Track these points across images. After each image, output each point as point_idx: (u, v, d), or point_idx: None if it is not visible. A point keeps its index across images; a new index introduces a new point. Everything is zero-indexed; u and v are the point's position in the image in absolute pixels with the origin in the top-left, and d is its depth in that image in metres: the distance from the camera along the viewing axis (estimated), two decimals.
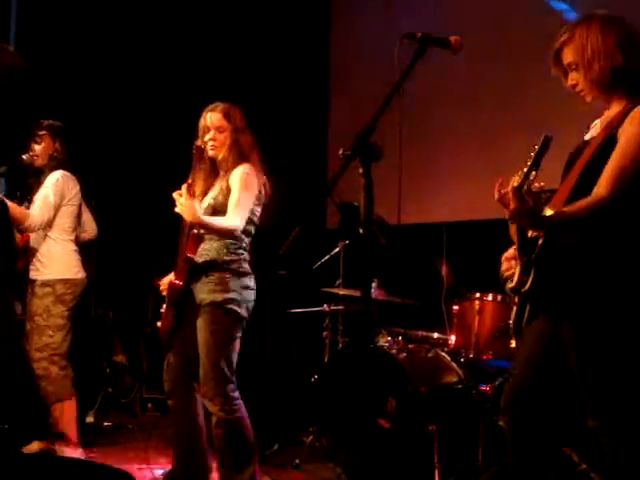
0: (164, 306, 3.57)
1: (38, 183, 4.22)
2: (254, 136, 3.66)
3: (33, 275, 4.18)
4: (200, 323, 3.45)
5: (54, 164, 4.23)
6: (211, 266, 3.48)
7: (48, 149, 4.26)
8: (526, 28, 5.37)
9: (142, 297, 6.09)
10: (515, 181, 2.42)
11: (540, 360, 2.59)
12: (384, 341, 4.48)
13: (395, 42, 2.31)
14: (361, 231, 2.61)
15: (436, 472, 3.68)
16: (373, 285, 4.44)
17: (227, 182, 3.52)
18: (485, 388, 4.08)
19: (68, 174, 4.27)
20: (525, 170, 2.42)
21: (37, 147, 4.25)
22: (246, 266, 3.55)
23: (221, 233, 3.50)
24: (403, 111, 2.28)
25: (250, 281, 3.56)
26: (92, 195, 4.60)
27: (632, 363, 2.43)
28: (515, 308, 2.64)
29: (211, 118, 3.58)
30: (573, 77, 2.61)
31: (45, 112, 4.47)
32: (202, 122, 3.61)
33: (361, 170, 2.17)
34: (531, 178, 2.41)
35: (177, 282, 3.49)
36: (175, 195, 3.43)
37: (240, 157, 3.56)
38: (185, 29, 6.69)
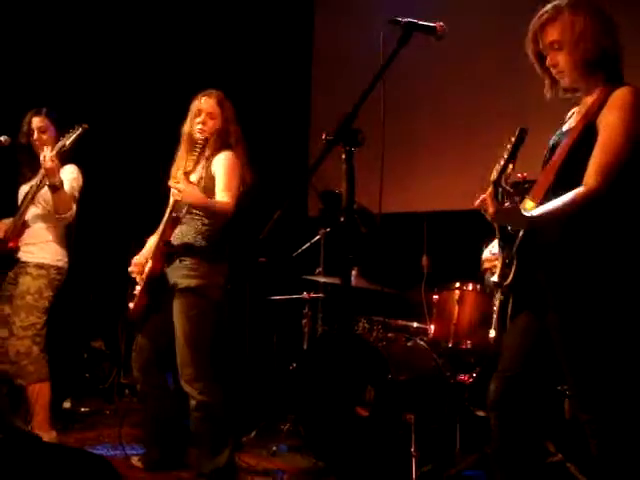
0: (137, 288, 3.57)
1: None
2: (241, 129, 3.70)
3: (25, 257, 4.20)
4: (176, 308, 3.48)
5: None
6: (185, 250, 3.51)
7: (54, 138, 4.27)
8: (511, 21, 5.36)
9: (120, 282, 6.05)
10: (494, 174, 2.41)
11: (528, 353, 2.57)
12: (363, 329, 4.48)
13: (379, 28, 2.29)
14: (342, 219, 2.59)
15: (413, 460, 3.69)
16: (353, 273, 4.44)
17: (209, 169, 3.55)
18: (463, 377, 4.10)
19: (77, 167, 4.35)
20: (502, 163, 2.39)
21: (44, 136, 4.30)
22: (219, 252, 3.57)
23: (217, 215, 3.51)
24: (386, 98, 2.26)
25: (223, 266, 3.59)
26: None
27: (620, 355, 2.42)
28: (498, 301, 2.61)
29: (205, 102, 3.62)
30: (554, 57, 2.53)
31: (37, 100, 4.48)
32: (195, 105, 3.65)
33: (343, 156, 2.15)
34: (508, 171, 2.39)
35: (154, 265, 3.52)
36: (171, 183, 3.49)
37: (224, 145, 3.60)
38: (168, 18, 6.64)
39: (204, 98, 3.63)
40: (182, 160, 3.65)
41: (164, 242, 3.51)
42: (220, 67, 6.48)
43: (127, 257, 5.99)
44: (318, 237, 4.92)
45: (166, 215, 3.65)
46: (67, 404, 5.26)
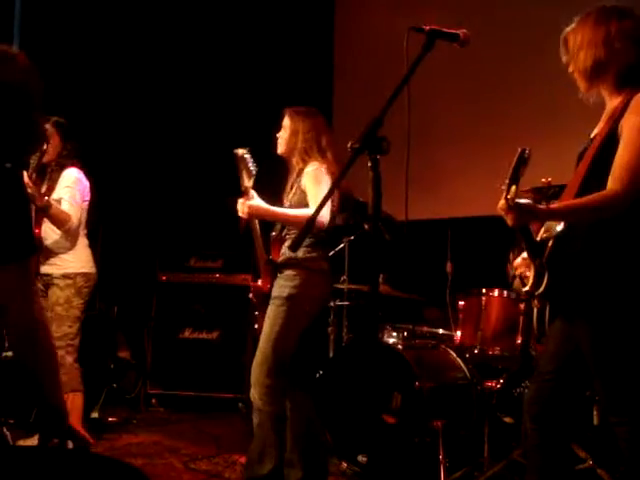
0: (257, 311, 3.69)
1: (49, 180, 4.26)
2: (330, 136, 3.73)
3: (49, 269, 4.22)
4: (267, 312, 3.55)
5: (63, 162, 4.26)
6: (287, 263, 3.56)
7: (57, 147, 4.29)
8: (534, 24, 5.36)
9: (146, 292, 6.09)
10: (504, 194, 2.42)
11: (563, 357, 2.59)
12: (389, 337, 4.48)
13: (400, 34, 2.30)
14: (367, 227, 2.58)
15: (441, 468, 3.68)
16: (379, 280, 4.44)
17: (300, 183, 3.59)
18: (491, 384, 4.08)
19: (81, 172, 4.34)
20: (507, 184, 2.40)
21: (46, 145, 4.27)
22: (321, 264, 3.60)
23: (298, 224, 3.48)
24: (410, 105, 2.27)
25: (322, 279, 3.60)
26: (95, 189, 4.59)
27: None
28: (535, 310, 2.62)
29: (285, 117, 3.70)
30: (571, 65, 2.63)
31: (49, 108, 4.48)
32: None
33: (369, 164, 2.15)
34: (511, 194, 2.38)
35: (264, 285, 3.61)
36: (239, 209, 3.54)
37: (309, 157, 3.62)
38: (188, 23, 6.70)
39: (285, 112, 3.72)
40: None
41: (266, 261, 3.60)
42: (240, 74, 6.54)
43: (153, 265, 6.08)
44: (342, 245, 4.92)
45: (255, 234, 3.66)
46: (95, 414, 5.29)
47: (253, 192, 3.56)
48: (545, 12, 5.22)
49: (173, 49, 6.65)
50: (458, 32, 2.37)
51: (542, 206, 2.47)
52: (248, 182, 3.57)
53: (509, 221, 2.43)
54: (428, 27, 2.30)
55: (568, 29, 2.64)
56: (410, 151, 2.39)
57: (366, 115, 2.19)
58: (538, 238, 2.59)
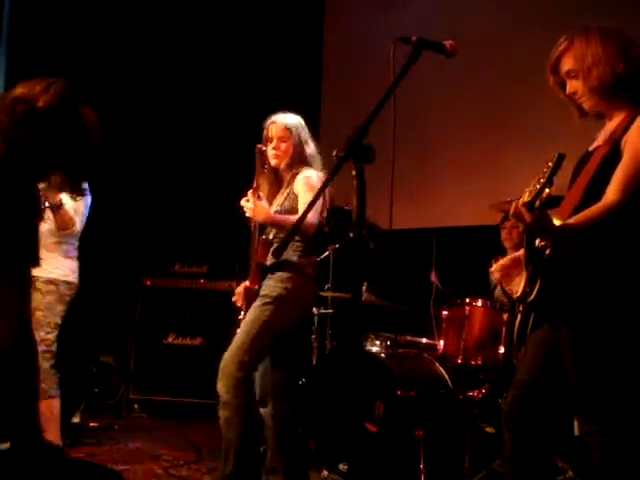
0: (242, 313, 3.63)
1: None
2: (316, 144, 3.74)
3: (36, 272, 4.15)
4: (251, 309, 3.53)
5: None
6: (277, 266, 3.55)
7: None
8: (522, 36, 5.39)
9: (130, 297, 6.07)
10: (526, 196, 2.41)
11: (543, 364, 2.60)
12: (372, 345, 4.48)
13: (387, 45, 2.30)
14: (351, 235, 2.58)
15: (422, 477, 3.69)
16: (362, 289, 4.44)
17: (292, 188, 3.60)
18: (473, 394, 4.09)
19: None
20: (538, 187, 2.40)
21: None
22: (310, 270, 3.60)
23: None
24: (396, 115, 2.28)
25: (313, 286, 3.64)
26: None
27: (628, 367, 2.44)
28: (519, 317, 2.63)
29: (274, 129, 3.66)
30: (572, 85, 2.60)
31: None
32: (265, 133, 3.70)
33: (354, 172, 2.16)
34: (543, 196, 2.39)
35: (252, 287, 3.59)
36: (242, 202, 3.53)
37: (302, 163, 3.64)
38: (175, 25, 6.71)
39: (272, 125, 3.67)
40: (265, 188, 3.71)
41: (257, 264, 3.58)
42: (229, 79, 6.54)
43: (136, 270, 6.05)
44: (327, 253, 4.93)
45: (254, 235, 3.66)
46: (76, 419, 5.26)
47: (261, 194, 3.57)
48: (541, 25, 5.26)
49: (158, 53, 6.63)
50: (444, 43, 2.38)
51: (556, 223, 2.46)
52: (259, 182, 3.60)
53: (526, 220, 2.37)
54: (415, 38, 2.31)
55: (560, 51, 2.61)
56: (395, 160, 2.40)
57: (353, 122, 2.19)
58: (536, 244, 2.59)
